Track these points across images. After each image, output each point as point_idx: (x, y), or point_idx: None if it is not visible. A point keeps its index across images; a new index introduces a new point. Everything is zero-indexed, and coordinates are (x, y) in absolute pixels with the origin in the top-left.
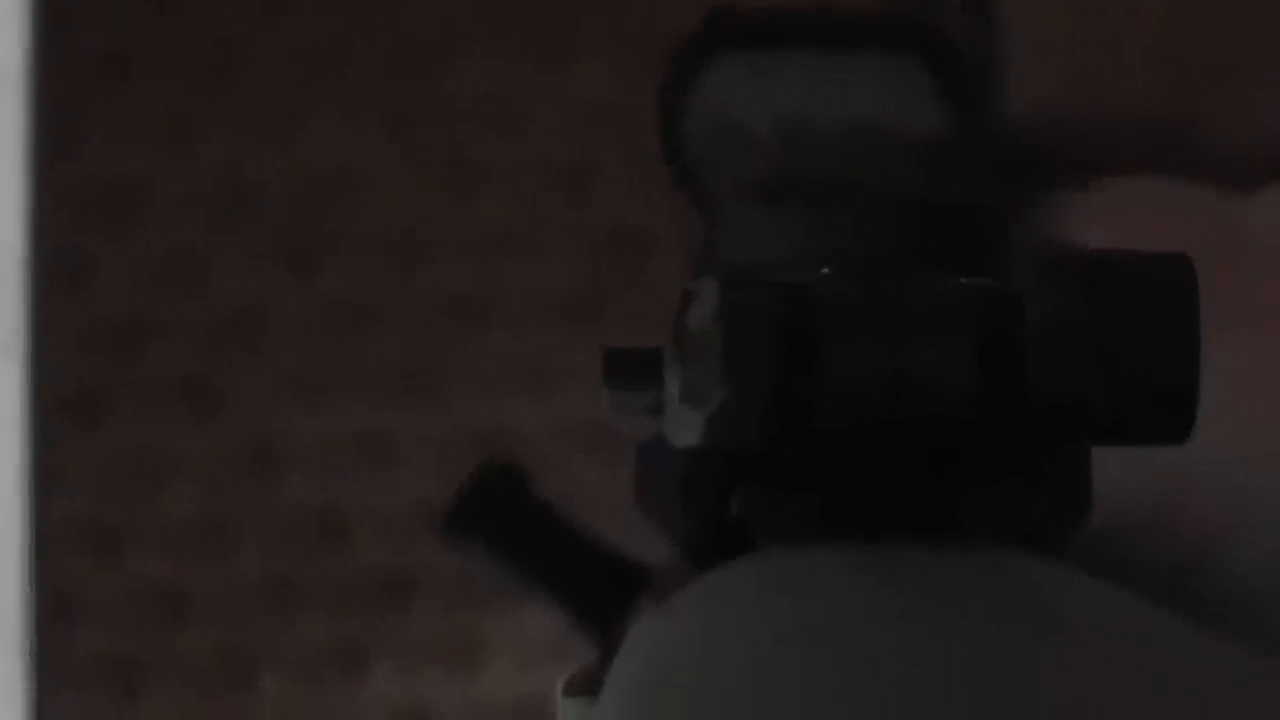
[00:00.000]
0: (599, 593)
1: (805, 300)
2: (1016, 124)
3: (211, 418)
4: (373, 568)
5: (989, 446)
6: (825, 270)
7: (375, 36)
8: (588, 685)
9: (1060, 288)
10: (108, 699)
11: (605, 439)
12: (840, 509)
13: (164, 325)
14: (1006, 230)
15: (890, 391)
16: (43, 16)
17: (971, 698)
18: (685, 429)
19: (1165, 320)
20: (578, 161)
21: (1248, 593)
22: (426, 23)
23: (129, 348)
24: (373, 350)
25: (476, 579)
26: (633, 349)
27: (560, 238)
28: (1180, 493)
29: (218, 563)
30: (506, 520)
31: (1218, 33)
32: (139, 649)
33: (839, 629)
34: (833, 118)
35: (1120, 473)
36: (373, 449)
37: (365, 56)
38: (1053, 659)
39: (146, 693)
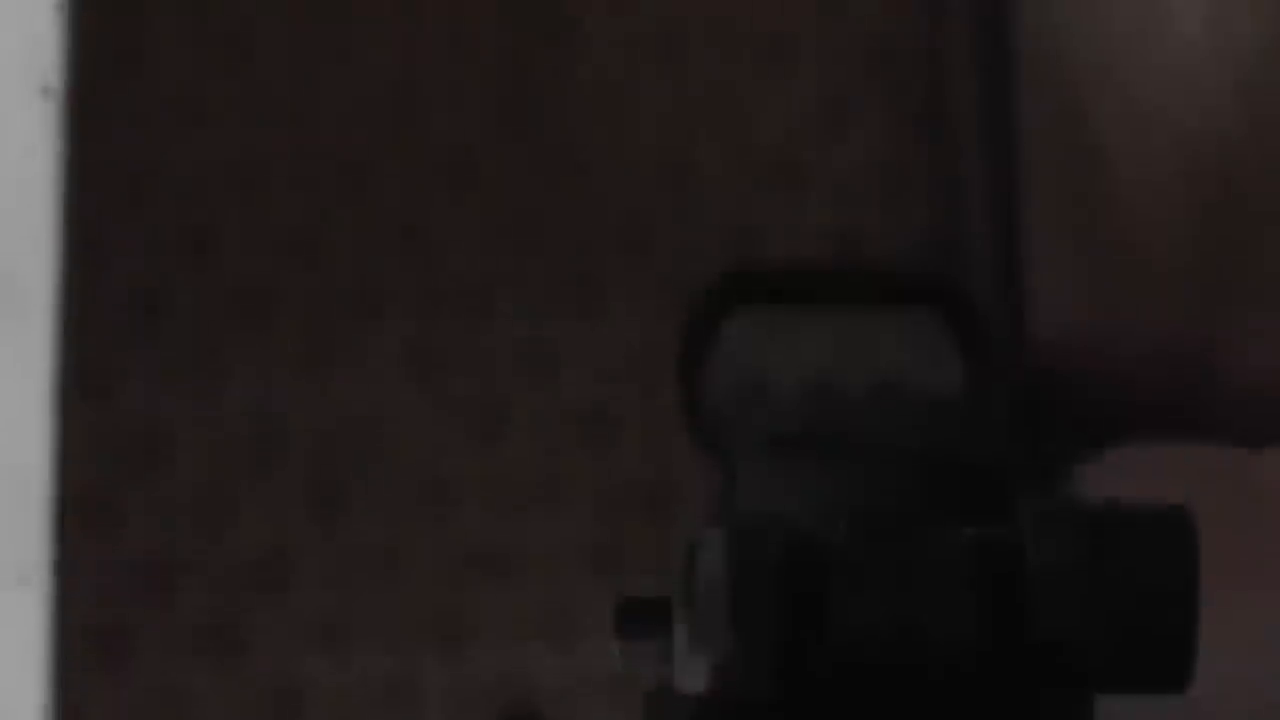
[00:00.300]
0: None
1: (812, 554)
2: (1037, 351)
3: (235, 660)
4: None
5: (991, 694)
6: (838, 524)
7: (407, 282)
8: None
9: (1063, 538)
10: None
11: (625, 690)
12: None
13: (189, 566)
14: (1016, 483)
15: (894, 643)
16: (75, 250)
17: None
18: (693, 677)
19: (1164, 572)
20: (603, 409)
21: None
22: (457, 269)
23: (154, 587)
24: (396, 596)
25: None
26: (643, 599)
27: (584, 486)
28: None
29: None
30: None
31: (1239, 263)
32: None
33: None
34: (855, 376)
35: None
36: (396, 695)
37: (396, 301)
38: None
39: None
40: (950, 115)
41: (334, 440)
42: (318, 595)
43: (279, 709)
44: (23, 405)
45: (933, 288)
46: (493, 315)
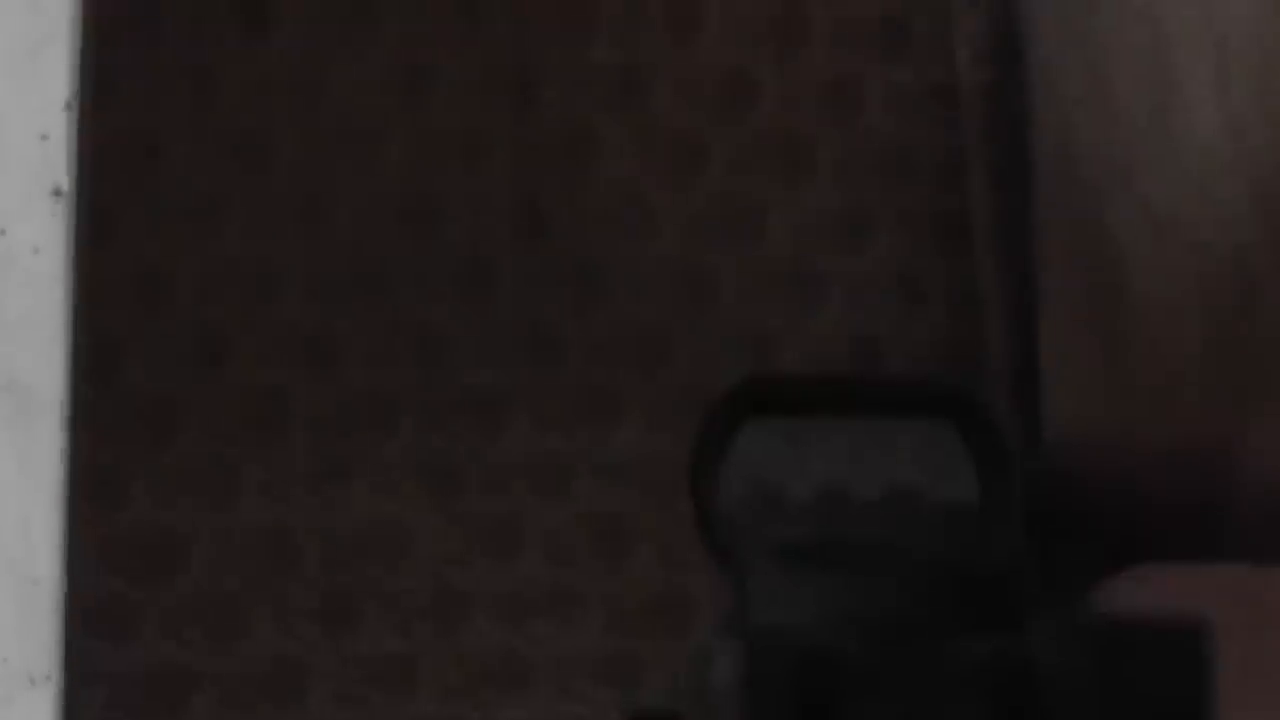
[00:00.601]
0: None
1: (824, 666)
2: (1054, 455)
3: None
4: None
5: None
6: (849, 636)
7: (420, 394)
8: None
9: (1076, 651)
10: None
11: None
12: None
13: (200, 676)
14: (1029, 594)
15: None
16: (86, 355)
17: None
18: None
19: (1178, 686)
20: (617, 522)
21: None
22: (471, 379)
23: (166, 696)
24: (409, 709)
25: None
26: (653, 711)
27: (597, 600)
28: None
29: None
30: None
31: (1257, 368)
32: None
33: None
34: (869, 486)
35: None
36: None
37: (409, 413)
38: None
39: None
40: (967, 224)
41: (346, 551)
42: (330, 707)
43: None
44: (33, 510)
45: (949, 397)
46: (506, 426)
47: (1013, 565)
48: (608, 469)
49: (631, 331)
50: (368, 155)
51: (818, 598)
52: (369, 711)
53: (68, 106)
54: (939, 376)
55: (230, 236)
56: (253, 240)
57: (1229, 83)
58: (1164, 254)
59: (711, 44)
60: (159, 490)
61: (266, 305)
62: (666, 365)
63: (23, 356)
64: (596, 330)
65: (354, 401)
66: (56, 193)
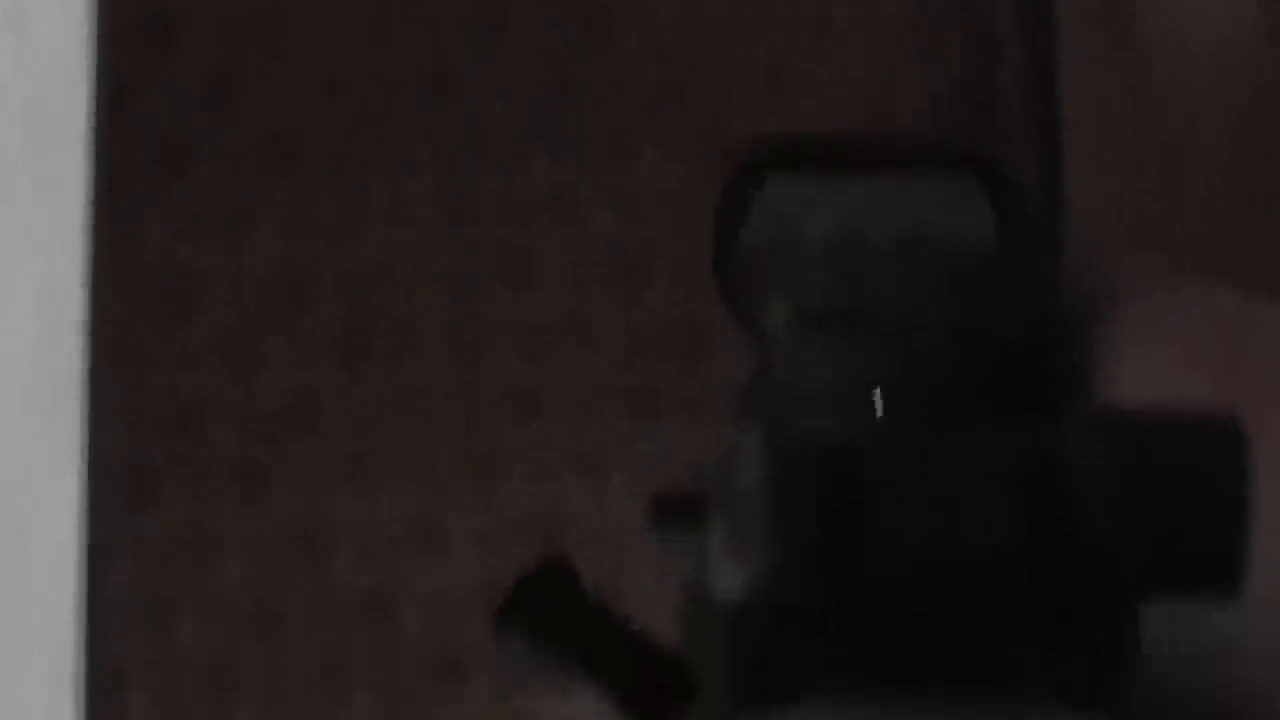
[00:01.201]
0: (643, 686)
1: (851, 461)
2: (1076, 223)
3: (263, 494)
4: (423, 648)
5: (1032, 602)
6: (873, 431)
7: (435, 128)
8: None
9: (1108, 447)
10: None
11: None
12: (883, 660)
13: (219, 408)
14: (1056, 370)
15: (933, 550)
16: (108, 88)
17: None
18: (728, 579)
19: (1211, 479)
20: (634, 252)
21: None
22: (489, 117)
23: (185, 428)
24: (420, 438)
25: (527, 668)
26: (678, 496)
27: (616, 329)
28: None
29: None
30: (556, 617)
31: (1267, 161)
32: None
33: None
34: (886, 233)
35: None
36: (423, 534)
37: (423, 146)
38: None
39: None
40: None
41: (361, 285)
42: (345, 435)
43: (306, 543)
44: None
45: (966, 152)
46: (525, 160)
47: (1029, 315)
48: (624, 199)
49: (649, 71)
50: None
51: (841, 361)
52: (384, 436)
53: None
54: (955, 132)
55: None
56: None
57: None
58: (1182, 41)
59: None
60: (176, 225)
61: (280, 45)
62: (683, 104)
63: (49, 122)
64: (614, 68)
65: (368, 134)
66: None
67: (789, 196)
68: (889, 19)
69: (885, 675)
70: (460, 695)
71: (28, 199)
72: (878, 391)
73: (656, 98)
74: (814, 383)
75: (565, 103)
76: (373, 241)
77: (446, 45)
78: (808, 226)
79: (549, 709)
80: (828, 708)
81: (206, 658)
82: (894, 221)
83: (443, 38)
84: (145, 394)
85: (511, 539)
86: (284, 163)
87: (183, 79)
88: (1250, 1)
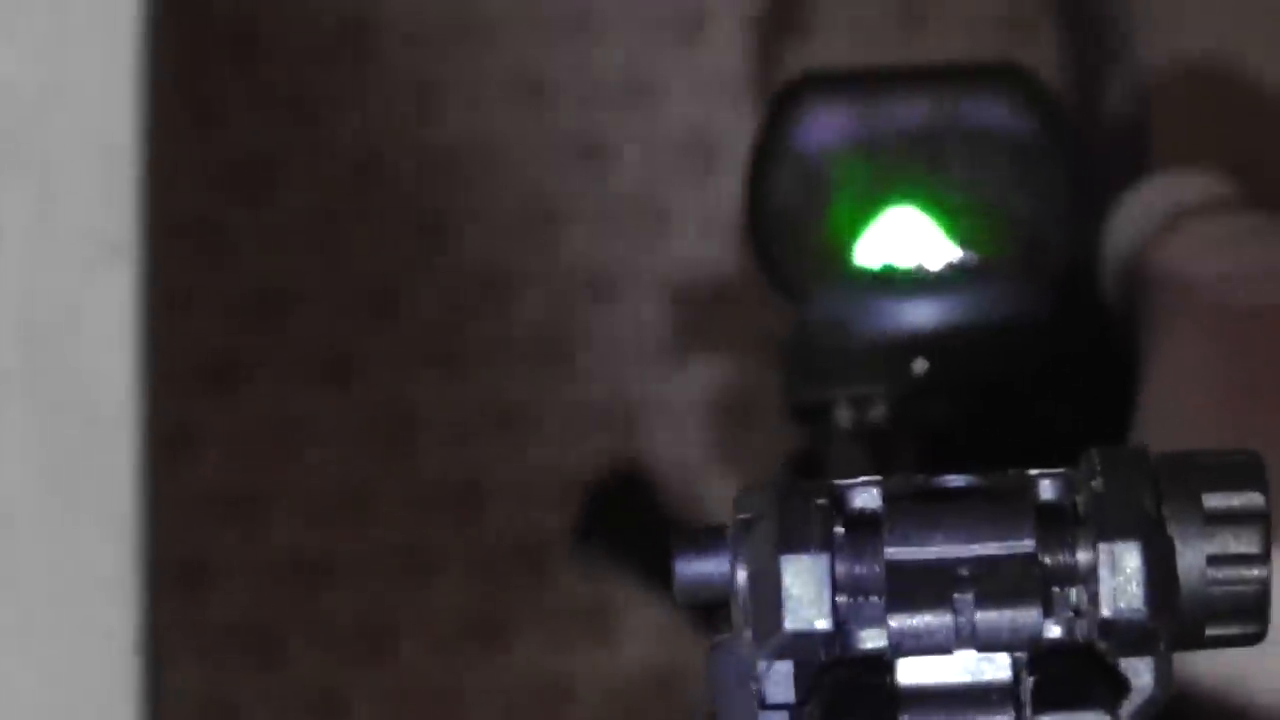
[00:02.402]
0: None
1: (869, 534)
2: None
3: (347, 385)
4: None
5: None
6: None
7: (510, 11)
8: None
9: (1128, 488)
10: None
11: (735, 419)
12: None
13: (301, 294)
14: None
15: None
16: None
17: None
18: (753, 643)
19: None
20: (706, 134)
21: None
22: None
23: (266, 315)
24: (506, 322)
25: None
26: (700, 528)
27: (689, 211)
28: None
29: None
30: (629, 529)
31: None
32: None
33: None
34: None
35: None
36: (506, 419)
37: (499, 27)
38: None
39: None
40: None
41: (439, 168)
42: (427, 318)
43: (392, 432)
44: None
45: (1016, 74)
46: (593, 46)
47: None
48: (700, 83)
49: None
50: None
51: (878, 325)
52: (465, 314)
53: None
54: (994, 56)
55: None
56: None
57: None
58: None
59: None
60: (253, 111)
61: None
62: None
63: None
64: None
65: (449, 17)
66: None
67: (828, 125)
68: None
69: None
70: (540, 582)
71: None
72: (919, 359)
73: None
74: (850, 338)
75: None
76: (449, 126)
77: None
78: (844, 168)
79: (633, 594)
80: None
81: (287, 554)
82: (940, 134)
83: None
84: (227, 282)
85: (595, 423)
86: (358, 49)
87: None
88: None
